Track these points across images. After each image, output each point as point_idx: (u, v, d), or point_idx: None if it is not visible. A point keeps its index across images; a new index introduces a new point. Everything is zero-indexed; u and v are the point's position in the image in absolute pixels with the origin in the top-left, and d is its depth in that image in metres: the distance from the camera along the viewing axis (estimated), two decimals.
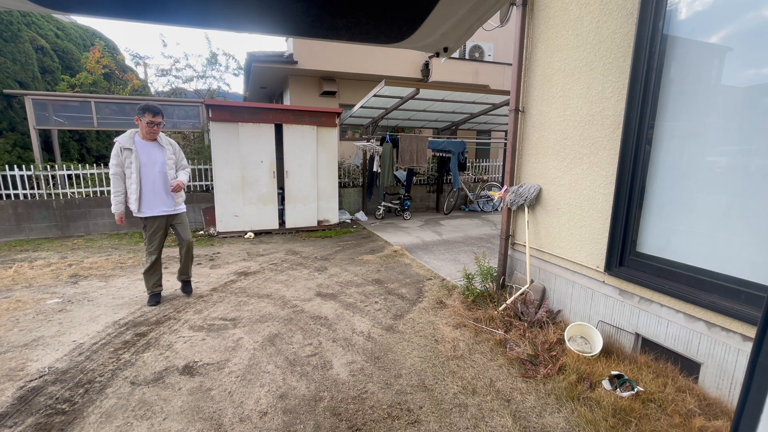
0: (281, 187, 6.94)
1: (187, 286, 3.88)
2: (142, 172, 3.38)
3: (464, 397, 2.27)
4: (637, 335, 2.61)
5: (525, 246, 3.51)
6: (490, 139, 10.95)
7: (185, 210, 3.69)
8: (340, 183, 8.39)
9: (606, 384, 2.28)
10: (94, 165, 7.20)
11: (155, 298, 3.67)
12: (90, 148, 9.77)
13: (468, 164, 9.31)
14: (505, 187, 3.70)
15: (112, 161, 3.30)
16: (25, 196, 6.46)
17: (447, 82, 10.04)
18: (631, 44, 2.48)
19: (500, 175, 10.75)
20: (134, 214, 3.45)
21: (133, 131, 3.37)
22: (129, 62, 12.97)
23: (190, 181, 7.58)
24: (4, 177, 6.33)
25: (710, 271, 2.21)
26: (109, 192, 7.09)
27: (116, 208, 3.39)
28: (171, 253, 5.54)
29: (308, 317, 3.35)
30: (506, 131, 8.15)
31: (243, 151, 6.32)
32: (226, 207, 6.49)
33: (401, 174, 8.84)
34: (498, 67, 10.92)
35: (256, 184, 6.51)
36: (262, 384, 2.38)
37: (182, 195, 3.65)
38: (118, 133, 11.28)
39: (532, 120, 3.44)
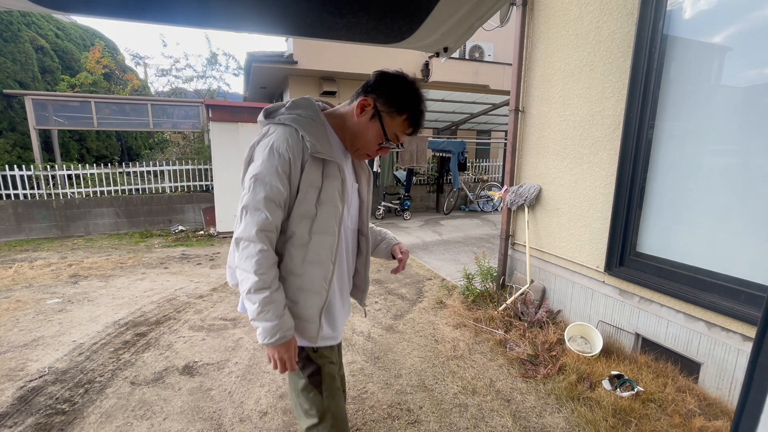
0: None
1: None
2: (343, 230, 1.24)
3: (464, 397, 2.27)
4: (637, 335, 2.60)
5: (525, 246, 3.50)
6: (490, 139, 10.95)
7: None
8: None
9: (606, 384, 2.28)
10: (94, 165, 7.21)
11: None
12: (90, 148, 9.77)
13: (468, 164, 9.31)
14: (505, 187, 3.69)
15: (269, 190, 1.06)
16: (25, 196, 6.46)
17: (447, 82, 10.03)
18: (631, 44, 2.48)
19: (500, 175, 10.75)
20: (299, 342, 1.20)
21: (316, 116, 1.16)
22: (129, 62, 13.00)
23: (190, 181, 7.60)
24: (4, 177, 6.33)
25: (710, 271, 2.21)
26: (110, 192, 7.14)
27: (280, 326, 1.06)
28: (171, 253, 5.54)
29: None
30: (506, 131, 8.15)
31: (243, 151, 6.27)
32: (226, 207, 6.50)
33: (401, 174, 8.84)
34: (498, 67, 10.91)
35: None
36: (262, 384, 2.38)
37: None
38: (118, 134, 11.45)
39: (532, 120, 3.44)
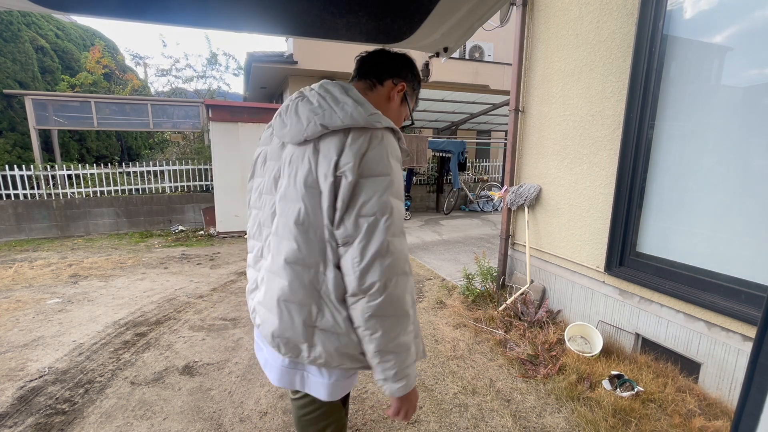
0: None
1: None
2: None
3: (464, 397, 2.27)
4: (637, 335, 2.60)
5: (525, 246, 3.50)
6: (490, 139, 10.95)
7: None
8: None
9: (606, 384, 2.28)
10: (94, 165, 7.21)
11: None
12: (90, 148, 9.77)
13: (468, 164, 9.30)
14: (505, 187, 3.69)
15: (402, 208, 0.99)
16: (25, 196, 6.45)
17: (447, 82, 10.02)
18: (631, 44, 2.48)
19: (500, 175, 10.75)
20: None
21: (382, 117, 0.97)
22: (129, 62, 12.99)
23: (190, 181, 7.60)
24: (4, 177, 6.33)
25: (710, 271, 2.21)
26: (109, 192, 7.10)
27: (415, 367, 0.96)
28: (171, 253, 5.54)
29: None
30: (506, 131, 8.15)
31: (243, 151, 6.32)
32: (226, 207, 6.49)
33: None
34: (498, 67, 10.91)
35: None
36: (262, 384, 2.38)
37: None
38: (118, 134, 11.45)
39: (532, 120, 3.44)
